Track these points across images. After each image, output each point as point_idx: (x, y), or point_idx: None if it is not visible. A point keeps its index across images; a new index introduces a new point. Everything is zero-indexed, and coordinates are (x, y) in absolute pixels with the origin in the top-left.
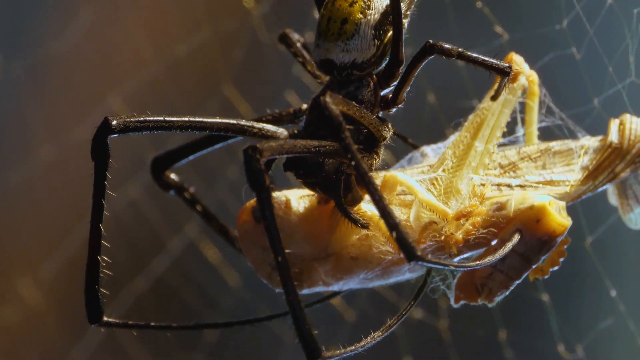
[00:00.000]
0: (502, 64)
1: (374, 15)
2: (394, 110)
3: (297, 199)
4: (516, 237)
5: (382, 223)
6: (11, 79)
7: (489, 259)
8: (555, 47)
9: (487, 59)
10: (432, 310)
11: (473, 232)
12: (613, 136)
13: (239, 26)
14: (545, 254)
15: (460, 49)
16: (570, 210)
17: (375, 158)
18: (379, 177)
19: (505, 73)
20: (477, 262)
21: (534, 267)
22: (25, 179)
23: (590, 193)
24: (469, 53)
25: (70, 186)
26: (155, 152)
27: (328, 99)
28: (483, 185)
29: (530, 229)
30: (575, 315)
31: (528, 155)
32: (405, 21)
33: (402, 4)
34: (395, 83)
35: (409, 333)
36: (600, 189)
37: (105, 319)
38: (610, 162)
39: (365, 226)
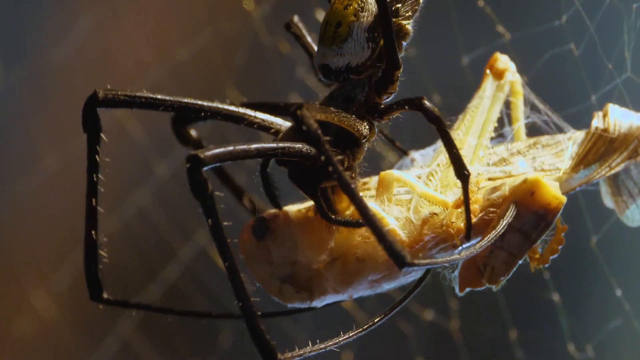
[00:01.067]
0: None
1: (366, 17)
2: (382, 123)
3: (295, 211)
4: (511, 211)
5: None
6: (13, 87)
7: (486, 241)
8: (554, 45)
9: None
10: (443, 311)
11: (473, 219)
12: (597, 122)
13: (240, 29)
14: (544, 232)
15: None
16: (575, 211)
17: (350, 157)
18: (370, 180)
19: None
20: (476, 246)
21: (534, 245)
22: (32, 189)
23: (585, 185)
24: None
25: (76, 194)
26: (163, 160)
27: (305, 112)
28: (478, 174)
29: (525, 202)
30: (585, 314)
31: (517, 150)
32: (409, 22)
33: (405, 5)
34: (392, 91)
35: (420, 334)
36: (594, 181)
37: (105, 296)
38: (598, 148)
39: (357, 225)
